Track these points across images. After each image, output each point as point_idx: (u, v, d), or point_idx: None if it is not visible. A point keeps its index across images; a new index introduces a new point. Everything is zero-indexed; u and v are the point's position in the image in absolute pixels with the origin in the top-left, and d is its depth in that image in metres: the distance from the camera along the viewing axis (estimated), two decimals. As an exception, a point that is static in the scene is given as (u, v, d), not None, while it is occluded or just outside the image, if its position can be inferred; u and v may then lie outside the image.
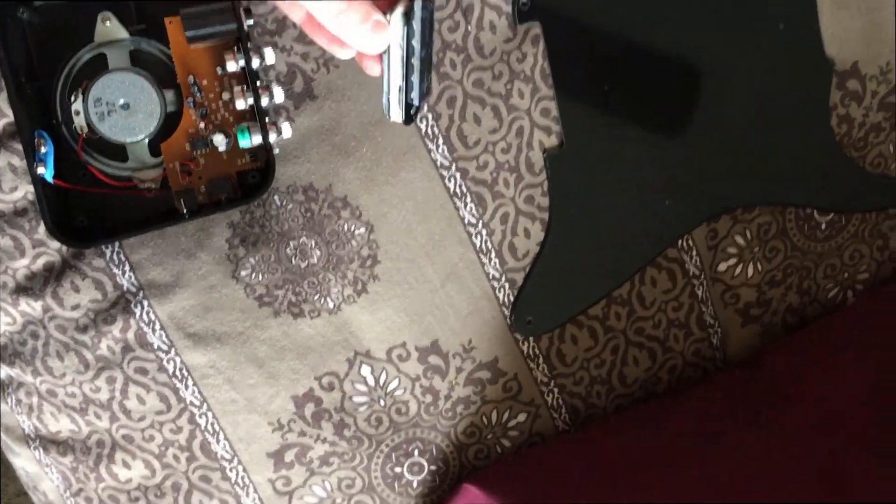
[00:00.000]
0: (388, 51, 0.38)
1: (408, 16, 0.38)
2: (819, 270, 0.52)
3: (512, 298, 0.49)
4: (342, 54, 0.40)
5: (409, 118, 0.39)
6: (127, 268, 0.45)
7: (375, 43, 0.38)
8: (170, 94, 0.44)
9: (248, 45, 0.42)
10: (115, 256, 0.45)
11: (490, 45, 0.46)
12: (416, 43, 0.38)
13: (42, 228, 0.44)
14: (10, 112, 0.42)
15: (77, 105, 0.42)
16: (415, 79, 0.38)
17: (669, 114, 0.48)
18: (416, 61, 0.38)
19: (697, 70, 0.48)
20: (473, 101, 0.47)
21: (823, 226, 0.51)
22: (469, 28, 0.46)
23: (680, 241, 0.50)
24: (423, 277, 0.48)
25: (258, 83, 0.42)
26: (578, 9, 0.47)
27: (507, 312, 0.49)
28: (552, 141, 0.48)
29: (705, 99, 0.48)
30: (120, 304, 0.45)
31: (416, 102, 0.39)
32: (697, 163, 0.49)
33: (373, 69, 0.40)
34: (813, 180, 0.50)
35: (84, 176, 0.44)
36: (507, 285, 0.49)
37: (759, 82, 0.49)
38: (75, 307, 0.45)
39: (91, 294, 0.45)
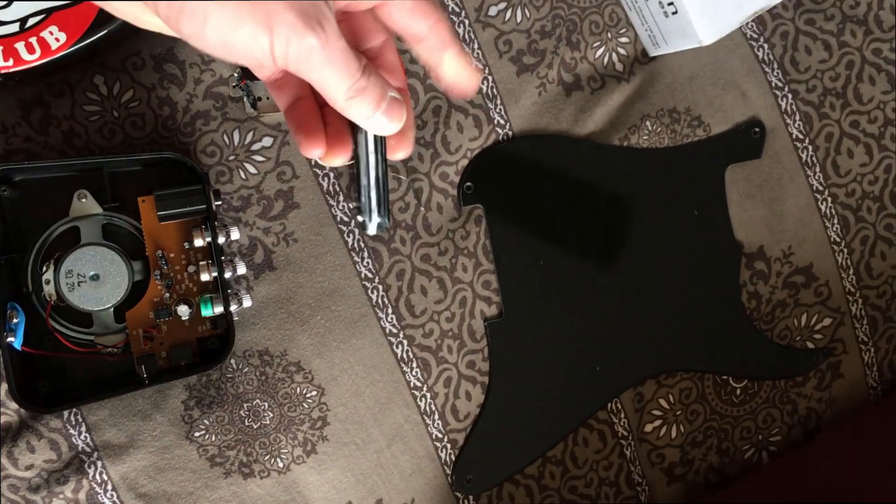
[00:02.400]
0: (364, 133, 0.37)
1: None
2: (735, 432, 0.56)
3: (453, 458, 0.52)
4: (315, 154, 0.36)
5: (385, 221, 0.39)
6: (83, 428, 0.47)
7: (391, 126, 0.34)
8: (137, 264, 0.46)
9: (216, 223, 0.45)
10: (72, 417, 0.47)
11: (437, 224, 0.51)
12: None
13: (3, 389, 0.45)
14: (-17, 281, 0.44)
15: (48, 275, 0.45)
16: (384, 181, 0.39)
17: (598, 288, 0.53)
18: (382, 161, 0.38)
19: (623, 249, 0.53)
20: (421, 274, 0.51)
21: (738, 391, 0.56)
22: (419, 208, 0.50)
23: (609, 404, 0.54)
24: (369, 438, 0.50)
25: (223, 258, 0.46)
26: (516, 194, 0.52)
27: (448, 472, 0.52)
28: (492, 311, 0.52)
29: (631, 276, 0.53)
30: (74, 465, 0.47)
31: (388, 210, 0.39)
32: (624, 333, 0.54)
33: (335, 161, 0.37)
34: (727, 350, 0.55)
35: (49, 341, 0.46)
36: (448, 445, 0.52)
37: (678, 262, 0.54)
38: (29, 467, 0.46)
39: (46, 454, 0.46)
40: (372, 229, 0.40)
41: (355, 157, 0.37)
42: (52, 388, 0.46)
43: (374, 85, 0.32)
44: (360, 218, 0.39)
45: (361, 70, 0.32)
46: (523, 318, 0.52)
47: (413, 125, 0.37)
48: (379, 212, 0.39)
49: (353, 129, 0.37)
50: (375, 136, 0.36)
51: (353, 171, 0.37)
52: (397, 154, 0.37)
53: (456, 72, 0.35)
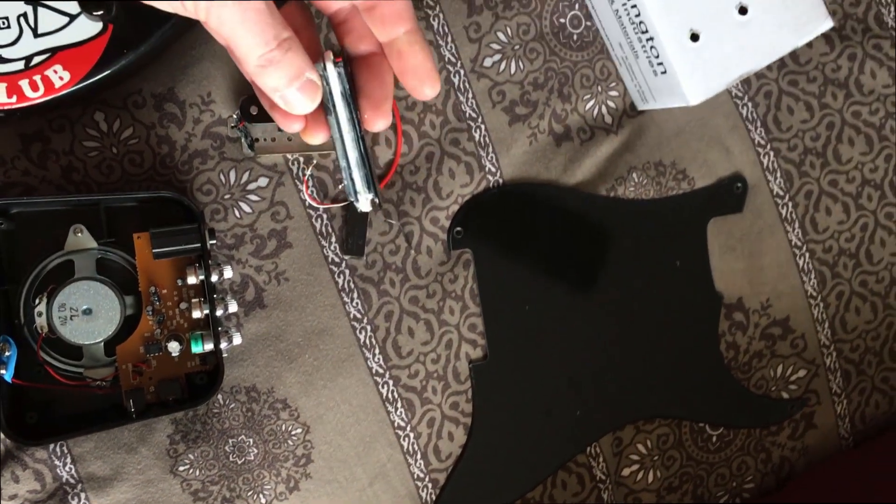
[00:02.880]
0: (335, 114, 0.37)
1: (343, 69, 0.36)
2: (710, 479, 0.57)
3: (434, 498, 0.52)
4: (295, 128, 0.37)
5: (375, 198, 0.38)
6: (68, 460, 0.47)
7: (300, 107, 0.34)
8: (129, 299, 0.47)
9: (210, 262, 0.46)
10: (57, 448, 0.47)
11: (426, 267, 0.52)
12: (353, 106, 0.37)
13: (-11, 420, 0.46)
14: (-24, 313, 0.44)
15: (41, 307, 0.45)
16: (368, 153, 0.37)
17: (582, 334, 0.54)
18: (359, 130, 0.37)
19: (607, 297, 0.55)
20: (409, 315, 0.52)
21: (714, 439, 0.57)
22: (410, 251, 0.51)
23: (588, 448, 0.55)
24: (352, 476, 0.51)
25: (215, 296, 0.46)
26: (504, 240, 0.53)
27: (428, 511, 0.53)
28: (477, 353, 0.53)
29: (613, 323, 0.55)
30: (57, 496, 0.47)
31: (375, 185, 0.38)
32: (605, 378, 0.55)
33: (315, 138, 0.38)
34: (705, 398, 0.56)
35: (38, 372, 0.46)
36: (430, 485, 0.52)
37: (660, 310, 0.55)
38: (13, 497, 0.46)
39: (30, 485, 0.46)
40: (364, 205, 0.38)
41: (332, 136, 0.37)
42: (39, 419, 0.46)
43: (291, 61, 0.32)
44: (350, 196, 0.38)
45: (279, 40, 0.31)
46: (507, 361, 0.53)
47: (390, 94, 0.38)
48: (368, 188, 0.38)
49: (325, 110, 0.37)
50: (349, 112, 0.37)
51: (335, 159, 0.38)
52: (377, 124, 0.38)
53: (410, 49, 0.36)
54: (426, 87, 0.37)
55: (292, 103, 0.34)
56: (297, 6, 0.39)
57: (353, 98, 0.37)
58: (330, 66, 0.36)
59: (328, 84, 0.37)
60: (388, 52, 0.37)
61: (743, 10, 0.49)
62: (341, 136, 0.37)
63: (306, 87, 0.33)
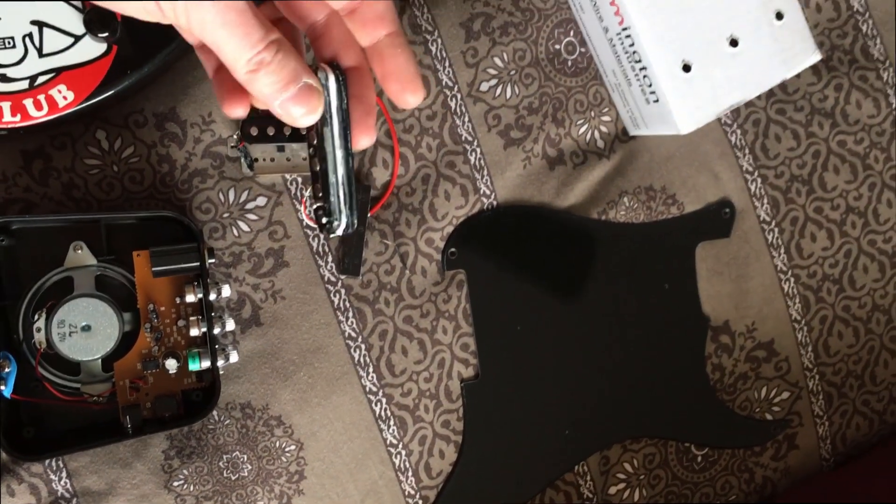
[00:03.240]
0: (329, 129, 0.35)
1: (340, 81, 0.34)
2: (695, 498, 0.58)
3: (424, 514, 0.53)
4: (238, 113, 0.35)
5: (350, 220, 0.36)
6: (64, 474, 0.47)
7: (303, 117, 0.32)
8: (128, 315, 0.48)
9: (208, 280, 0.47)
10: (53, 463, 0.47)
11: (421, 287, 0.53)
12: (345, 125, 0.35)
13: (-14, 434, 0.46)
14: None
15: (39, 323, 0.46)
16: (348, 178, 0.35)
17: (571, 354, 0.55)
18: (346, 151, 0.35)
19: (596, 319, 0.56)
20: (403, 335, 0.52)
21: (699, 459, 0.58)
22: (405, 272, 0.52)
23: (576, 466, 0.56)
24: (344, 493, 0.52)
25: (212, 314, 0.47)
26: (497, 261, 0.54)
27: (418, 527, 0.53)
28: (469, 372, 0.54)
29: (603, 343, 0.56)
30: (52, 510, 0.47)
31: (353, 215, 0.36)
32: (594, 398, 0.56)
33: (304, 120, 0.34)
34: (690, 418, 0.58)
35: (36, 387, 0.46)
36: (420, 502, 0.53)
37: (648, 332, 0.56)
38: (7, 511, 0.47)
39: (25, 499, 0.47)
40: (340, 229, 0.36)
41: (319, 151, 0.35)
42: (36, 433, 0.47)
43: (283, 63, 0.30)
44: (324, 220, 0.35)
45: (266, 41, 0.29)
46: (498, 380, 0.54)
47: (374, 110, 0.36)
48: (348, 210, 0.35)
49: (320, 122, 0.35)
50: (341, 128, 0.34)
51: (313, 168, 0.34)
52: (361, 142, 0.36)
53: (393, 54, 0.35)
54: (407, 94, 0.35)
55: (292, 113, 0.32)
56: (279, 21, 0.37)
57: (347, 114, 0.35)
58: (332, 78, 0.34)
59: (328, 96, 0.34)
60: (370, 56, 0.36)
61: (734, 43, 0.50)
62: (333, 151, 0.35)
63: (304, 93, 0.31)
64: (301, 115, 0.32)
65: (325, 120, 0.34)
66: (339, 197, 0.35)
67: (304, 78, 0.31)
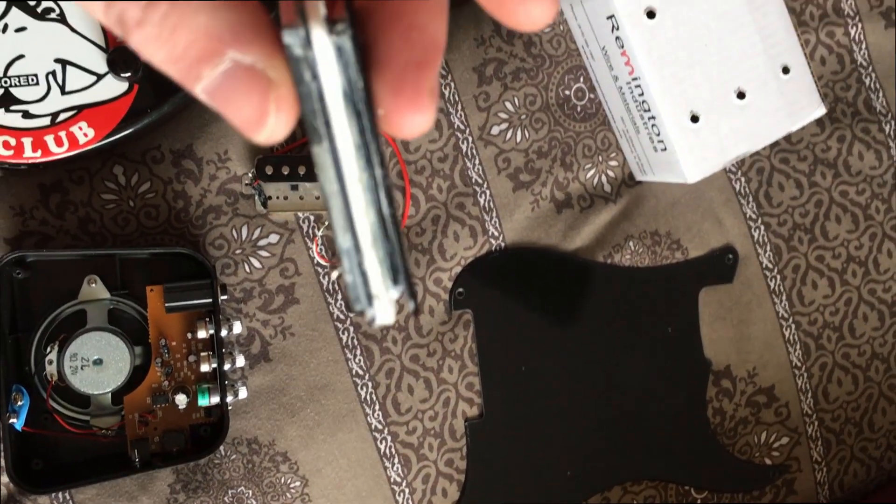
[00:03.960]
0: (328, 139, 0.19)
1: (349, 37, 0.18)
2: (694, 541, 0.59)
3: (425, 553, 0.54)
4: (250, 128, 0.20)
5: (409, 296, 0.20)
6: (70, 507, 0.48)
7: (249, 130, 0.18)
8: (138, 349, 0.48)
9: (220, 317, 0.47)
10: (60, 495, 0.47)
11: (428, 326, 0.53)
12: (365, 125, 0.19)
13: (-6, 465, 0.46)
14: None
15: (52, 355, 0.46)
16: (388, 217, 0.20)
17: (574, 397, 0.56)
18: (378, 169, 0.19)
19: (600, 361, 0.56)
20: (409, 373, 0.53)
21: (699, 502, 0.59)
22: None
23: (577, 507, 0.56)
24: (347, 530, 0.52)
25: (223, 350, 0.48)
26: (504, 302, 0.55)
27: (420, 566, 0.53)
28: (474, 412, 0.54)
29: (604, 386, 0.56)
30: (57, 543, 0.47)
31: (406, 283, 0.20)
32: (595, 440, 0.56)
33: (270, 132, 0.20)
34: (691, 462, 0.58)
35: (45, 419, 0.47)
36: (422, 540, 0.53)
37: (651, 375, 0.57)
38: (12, 543, 0.47)
39: (30, 531, 0.47)
40: (385, 315, 0.20)
41: (323, 186, 0.19)
42: (44, 465, 0.47)
43: (170, 19, 0.17)
44: (358, 304, 0.20)
45: None
46: (502, 420, 0.55)
47: (435, 57, 0.19)
48: (395, 280, 0.20)
49: (307, 128, 0.19)
50: (360, 131, 0.19)
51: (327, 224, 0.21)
52: (406, 122, 0.19)
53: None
54: (410, 112, 0.19)
55: (229, 119, 0.18)
56: None
57: (368, 98, 0.19)
58: (320, 35, 0.18)
59: (315, 78, 0.18)
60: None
61: (741, 95, 0.51)
62: (342, 185, 0.19)
63: (236, 87, 0.17)
64: (243, 123, 0.18)
65: (313, 127, 0.19)
66: (359, 264, 0.20)
67: (229, 51, 0.17)
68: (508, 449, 0.55)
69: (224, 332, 0.47)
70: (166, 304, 0.46)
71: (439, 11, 0.19)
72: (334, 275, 0.52)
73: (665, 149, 0.52)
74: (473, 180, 0.54)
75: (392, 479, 0.53)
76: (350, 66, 0.18)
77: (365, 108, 0.18)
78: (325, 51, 0.18)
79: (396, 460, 0.53)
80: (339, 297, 0.52)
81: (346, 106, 0.18)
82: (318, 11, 0.17)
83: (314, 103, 0.18)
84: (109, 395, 0.47)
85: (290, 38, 0.17)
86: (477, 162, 0.54)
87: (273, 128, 0.18)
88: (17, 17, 0.44)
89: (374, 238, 0.20)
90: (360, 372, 0.52)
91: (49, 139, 0.45)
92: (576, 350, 0.56)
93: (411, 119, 0.19)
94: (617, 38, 0.51)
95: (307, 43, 0.17)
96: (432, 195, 0.53)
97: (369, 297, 0.20)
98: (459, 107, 0.54)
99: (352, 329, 0.52)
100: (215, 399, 0.47)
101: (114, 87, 0.45)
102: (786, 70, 0.52)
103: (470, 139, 0.54)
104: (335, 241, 0.20)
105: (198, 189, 0.50)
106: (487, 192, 0.54)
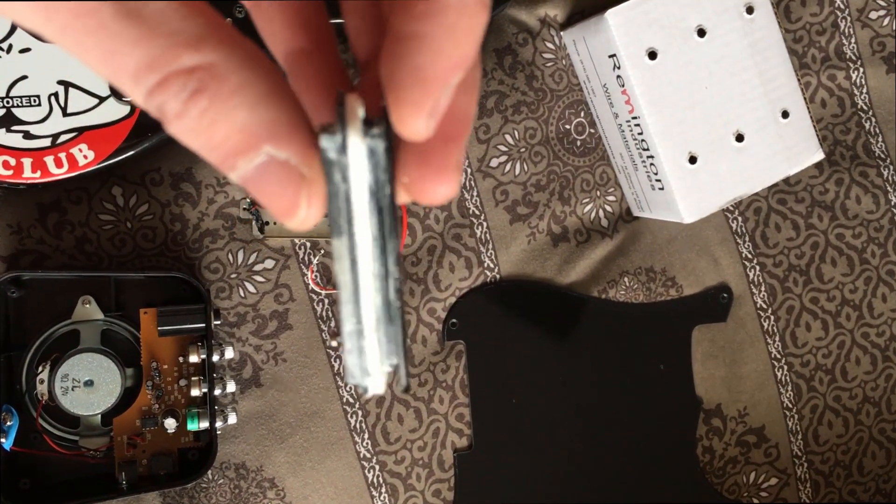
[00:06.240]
0: (348, 233, 0.19)
1: (382, 138, 0.19)
2: (679, 579, 0.59)
3: (410, 583, 0.53)
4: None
5: (403, 374, 0.21)
6: (55, 526, 0.48)
7: (281, 215, 0.19)
8: (130, 370, 0.48)
9: (212, 342, 0.47)
10: (45, 514, 0.47)
11: (420, 356, 0.53)
12: (385, 222, 0.19)
13: (-19, 483, 0.46)
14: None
15: (43, 375, 0.46)
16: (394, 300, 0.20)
17: (564, 429, 0.56)
18: (391, 264, 0.20)
19: (591, 396, 0.56)
20: (400, 403, 0.53)
21: (685, 540, 0.58)
22: (406, 341, 0.53)
23: (563, 541, 0.56)
24: (332, 558, 0.52)
25: (214, 375, 0.48)
26: (497, 334, 0.55)
27: None
28: (463, 443, 0.54)
29: (595, 420, 0.56)
30: (40, 562, 0.47)
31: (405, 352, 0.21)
32: (585, 474, 0.56)
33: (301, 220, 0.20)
34: (679, 499, 0.58)
35: (35, 439, 0.47)
36: (407, 570, 0.53)
37: (641, 411, 0.57)
38: (-4, 561, 0.47)
39: (14, 550, 0.47)
40: (371, 387, 0.21)
41: (338, 271, 0.20)
42: (32, 485, 0.47)
43: (209, 113, 0.17)
44: (352, 378, 0.21)
45: (169, 68, 0.16)
46: (491, 452, 0.55)
47: (467, 120, 0.20)
48: (386, 361, 0.21)
49: (331, 217, 0.19)
50: (378, 228, 0.19)
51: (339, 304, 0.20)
52: (431, 189, 0.20)
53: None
54: (433, 183, 0.20)
55: (263, 203, 0.19)
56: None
57: (392, 197, 0.19)
58: (356, 142, 0.18)
59: (344, 181, 0.19)
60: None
61: (740, 138, 0.51)
62: (355, 276, 0.20)
63: (271, 178, 0.18)
64: (276, 210, 0.19)
65: (337, 223, 0.19)
66: (360, 345, 0.20)
67: (265, 146, 0.17)
68: (496, 481, 0.55)
69: (216, 358, 0.47)
70: (159, 328, 0.47)
71: (471, 87, 0.20)
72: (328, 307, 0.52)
73: (662, 188, 0.52)
74: (471, 211, 0.54)
75: (379, 509, 0.53)
76: (379, 167, 0.19)
77: (388, 205, 0.19)
78: (359, 155, 0.18)
79: (384, 490, 0.53)
80: (333, 324, 0.52)
81: (370, 203, 0.19)
82: (356, 115, 0.18)
83: (340, 202, 0.19)
84: (99, 416, 0.47)
85: (327, 143, 0.18)
86: (475, 193, 0.54)
87: (304, 218, 0.19)
88: (21, 37, 0.44)
89: (377, 322, 0.20)
90: (351, 400, 0.52)
91: (49, 160, 0.45)
92: (567, 384, 0.56)
93: (435, 190, 0.20)
94: (618, 76, 0.51)
95: (342, 149, 0.18)
96: (429, 225, 0.53)
97: (365, 373, 0.21)
98: (459, 138, 0.54)
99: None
100: (204, 424, 0.47)
101: (115, 110, 0.45)
102: (785, 114, 0.52)
103: (469, 171, 0.54)
104: (340, 321, 0.21)
105: (195, 212, 0.50)
106: (484, 223, 0.54)
